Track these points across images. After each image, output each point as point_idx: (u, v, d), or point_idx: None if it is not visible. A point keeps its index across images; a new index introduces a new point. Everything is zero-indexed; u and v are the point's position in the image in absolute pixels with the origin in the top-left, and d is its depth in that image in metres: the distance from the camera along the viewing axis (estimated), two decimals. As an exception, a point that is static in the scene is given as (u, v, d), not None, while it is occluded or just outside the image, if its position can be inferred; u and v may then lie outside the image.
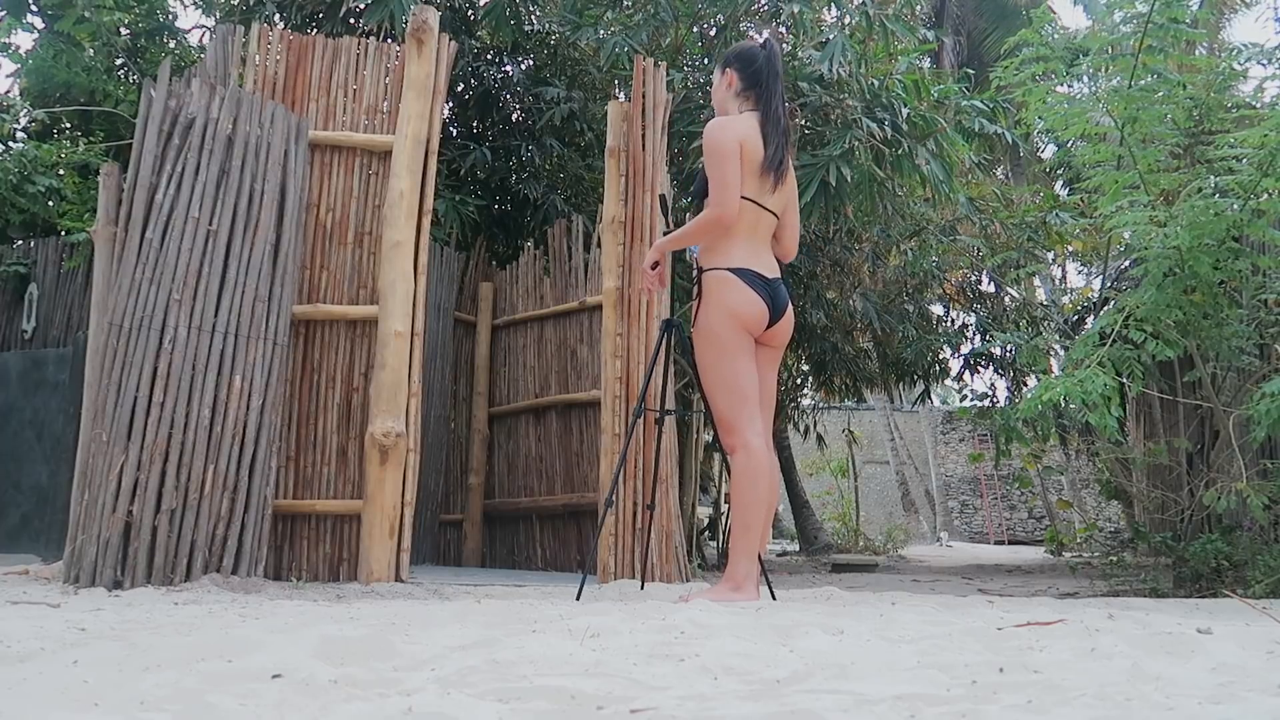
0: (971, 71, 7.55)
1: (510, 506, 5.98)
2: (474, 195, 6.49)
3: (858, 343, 9.19)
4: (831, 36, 5.85)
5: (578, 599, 3.18)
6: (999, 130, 6.62)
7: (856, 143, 5.65)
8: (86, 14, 6.42)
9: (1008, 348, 8.45)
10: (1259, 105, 4.50)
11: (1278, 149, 3.67)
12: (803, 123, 6.17)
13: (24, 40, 7.71)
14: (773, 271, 3.19)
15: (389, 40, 5.43)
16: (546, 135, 6.71)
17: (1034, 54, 4.29)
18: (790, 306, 3.25)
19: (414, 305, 4.01)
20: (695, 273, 3.18)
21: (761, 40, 3.32)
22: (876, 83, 5.98)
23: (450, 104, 7.00)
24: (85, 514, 3.37)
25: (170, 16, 7.22)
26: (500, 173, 6.76)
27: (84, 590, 3.11)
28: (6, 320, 6.42)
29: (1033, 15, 4.44)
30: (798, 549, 12.56)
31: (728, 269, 3.11)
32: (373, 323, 4.03)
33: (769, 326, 3.18)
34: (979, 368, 9.16)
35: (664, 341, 3.50)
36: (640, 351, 4.35)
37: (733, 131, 3.07)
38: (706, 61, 6.62)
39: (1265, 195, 3.83)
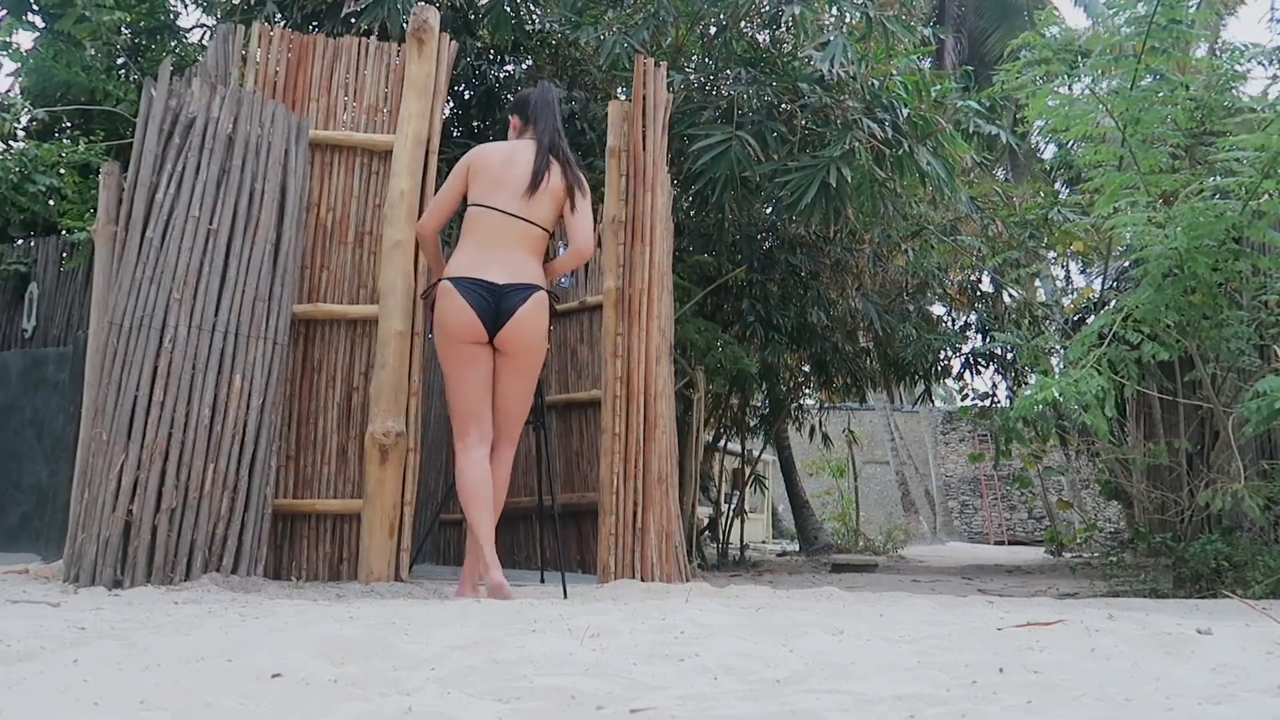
0: (971, 69, 7.54)
1: (510, 506, 5.97)
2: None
3: (858, 343, 9.19)
4: (832, 38, 5.84)
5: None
6: (996, 131, 6.61)
7: (857, 143, 5.64)
8: (87, 13, 6.42)
9: (1009, 347, 8.44)
10: (1261, 109, 4.48)
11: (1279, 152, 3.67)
12: (802, 124, 6.16)
13: (24, 39, 7.70)
14: (507, 277, 3.29)
15: (386, 40, 5.42)
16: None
17: (1037, 56, 4.28)
18: (524, 312, 3.29)
19: (414, 305, 4.01)
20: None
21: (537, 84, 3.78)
22: (876, 83, 5.97)
23: (451, 104, 6.99)
24: (85, 513, 3.37)
25: (171, 16, 7.22)
26: (501, 172, 6.74)
27: (84, 589, 3.11)
28: (7, 319, 6.42)
29: (1037, 18, 4.43)
30: (798, 549, 12.56)
31: (446, 278, 3.33)
32: (373, 322, 4.03)
33: (493, 335, 3.29)
34: (980, 368, 9.15)
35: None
36: (640, 351, 4.35)
37: (470, 156, 3.47)
38: (707, 61, 6.61)
39: (1266, 197, 3.83)
